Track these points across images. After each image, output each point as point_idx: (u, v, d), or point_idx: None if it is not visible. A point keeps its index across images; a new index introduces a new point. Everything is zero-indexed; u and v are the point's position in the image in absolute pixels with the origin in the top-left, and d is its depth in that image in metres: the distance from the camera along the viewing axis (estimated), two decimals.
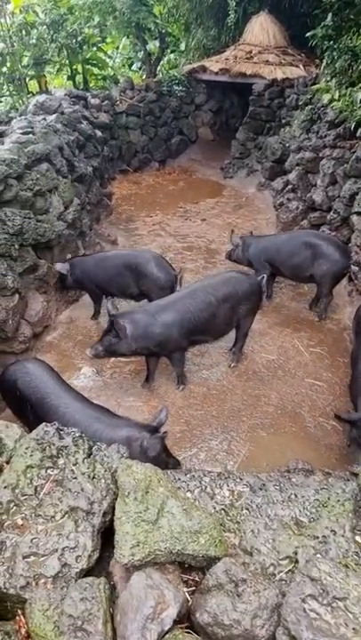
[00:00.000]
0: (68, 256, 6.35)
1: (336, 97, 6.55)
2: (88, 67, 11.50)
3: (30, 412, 3.72)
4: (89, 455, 2.27)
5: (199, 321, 4.70)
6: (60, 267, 5.84)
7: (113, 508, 2.04)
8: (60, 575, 1.84)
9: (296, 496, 2.14)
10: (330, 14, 6.61)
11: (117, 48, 14.30)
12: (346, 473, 3.74)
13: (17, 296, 5.06)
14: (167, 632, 1.60)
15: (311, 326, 6.00)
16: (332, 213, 6.99)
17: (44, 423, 2.38)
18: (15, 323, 5.00)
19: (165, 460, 3.42)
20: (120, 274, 5.66)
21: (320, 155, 7.55)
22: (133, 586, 1.68)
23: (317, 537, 1.94)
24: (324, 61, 7.63)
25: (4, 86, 10.21)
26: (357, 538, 1.95)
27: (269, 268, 6.18)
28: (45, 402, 3.61)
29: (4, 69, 9.89)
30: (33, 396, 3.67)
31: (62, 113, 7.82)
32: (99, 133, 9.37)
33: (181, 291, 5.06)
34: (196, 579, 1.93)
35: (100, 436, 3.31)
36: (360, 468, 3.93)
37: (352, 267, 6.04)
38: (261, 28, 10.63)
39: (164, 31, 11.96)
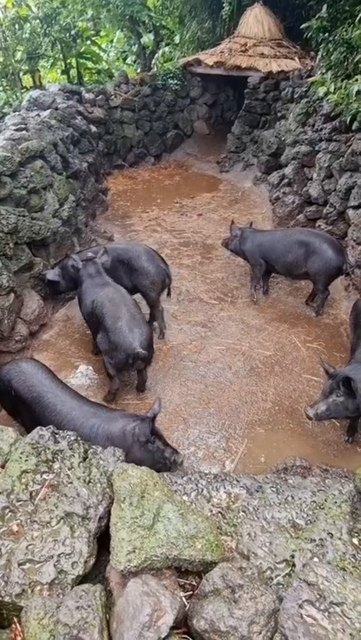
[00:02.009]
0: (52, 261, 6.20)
1: (332, 90, 6.49)
2: (82, 61, 11.42)
3: (25, 412, 3.72)
4: (84, 459, 2.25)
5: None
6: (52, 275, 5.70)
7: (109, 513, 2.03)
8: (57, 582, 1.83)
9: (293, 498, 2.13)
10: (325, 5, 6.56)
11: (112, 41, 14.20)
12: (344, 470, 3.76)
13: (12, 295, 5.03)
14: (164, 639, 1.59)
15: (308, 322, 5.99)
16: (328, 207, 6.96)
17: (38, 427, 2.36)
18: (11, 322, 4.98)
19: (162, 449, 3.44)
20: (114, 268, 5.64)
21: (316, 148, 7.51)
22: (129, 593, 1.66)
23: (314, 540, 1.93)
24: (320, 54, 7.59)
25: None
26: (354, 540, 1.95)
27: (264, 264, 6.17)
28: (42, 400, 3.62)
29: None
30: (28, 395, 3.68)
31: (56, 108, 7.76)
32: (93, 128, 9.30)
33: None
34: (193, 583, 1.92)
35: (98, 430, 3.39)
36: (311, 411, 3.93)
37: (349, 261, 6.02)
38: (256, 20, 10.53)
39: (158, 24, 11.88)
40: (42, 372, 3.85)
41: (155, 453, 3.37)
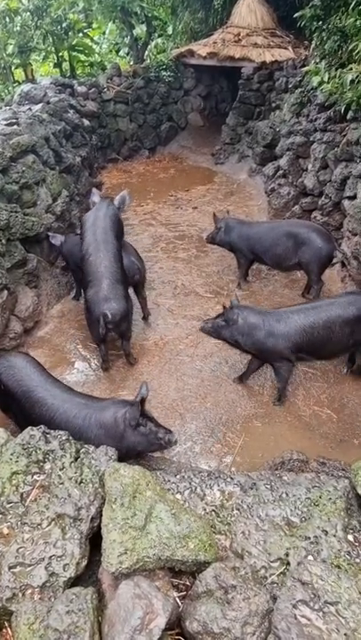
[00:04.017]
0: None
1: (326, 79, 6.41)
2: (74, 53, 11.27)
3: (16, 406, 3.69)
4: (76, 459, 2.22)
5: None
6: (55, 239, 6.05)
7: (102, 513, 2.00)
8: (48, 585, 1.81)
9: (287, 495, 2.11)
10: None
11: (104, 33, 14.03)
12: (341, 463, 3.74)
13: (6, 292, 4.99)
14: None
15: None
16: (323, 198, 6.90)
17: (29, 427, 2.33)
18: (4, 319, 4.94)
19: (155, 430, 3.42)
20: None
21: (311, 139, 7.44)
22: (121, 596, 1.64)
23: (309, 537, 1.90)
24: (314, 43, 7.49)
25: None
26: (349, 537, 1.92)
27: (252, 255, 6.15)
28: (32, 394, 3.60)
29: None
30: (18, 389, 3.65)
31: (48, 102, 7.67)
32: (86, 122, 9.21)
33: None
34: (187, 583, 1.90)
35: (90, 420, 3.40)
36: (202, 323, 4.56)
37: (346, 252, 5.98)
38: (249, 10, 10.40)
39: (150, 15, 11.71)
40: (31, 366, 3.83)
41: (148, 436, 3.37)
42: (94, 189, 6.27)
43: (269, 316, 4.46)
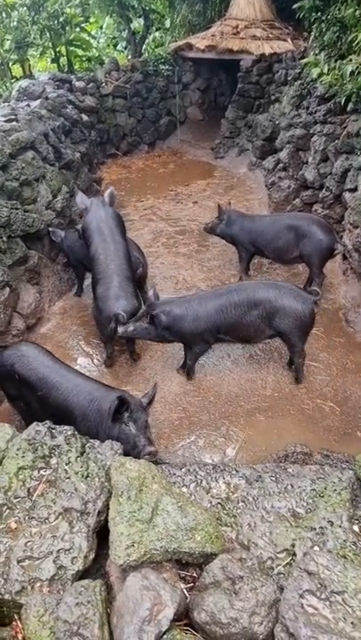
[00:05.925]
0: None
1: (325, 71, 6.38)
2: (72, 48, 11.20)
3: (31, 394, 3.75)
4: (82, 453, 2.24)
5: None
6: (55, 235, 6.13)
7: (109, 506, 2.02)
8: (56, 578, 1.82)
9: (292, 487, 2.12)
10: None
11: (101, 28, 13.95)
12: (345, 455, 3.75)
13: (7, 289, 4.99)
14: (165, 633, 1.58)
15: None
16: (324, 191, 6.88)
17: (35, 422, 2.34)
18: (7, 316, 4.95)
19: (133, 434, 3.32)
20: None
21: (311, 131, 7.40)
22: (129, 587, 1.65)
23: (314, 528, 1.92)
24: (313, 34, 7.45)
25: None
26: (355, 527, 1.93)
27: (254, 249, 6.17)
28: (49, 379, 3.67)
29: None
30: (34, 377, 3.71)
31: (46, 98, 7.65)
32: (85, 117, 9.19)
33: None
34: (194, 574, 1.92)
35: (94, 404, 3.50)
36: (121, 329, 4.46)
37: (347, 245, 5.97)
38: (247, 2, 10.33)
39: (147, 8, 11.64)
40: (42, 353, 3.92)
41: (128, 437, 3.28)
42: (77, 190, 6.44)
43: (191, 302, 4.62)
